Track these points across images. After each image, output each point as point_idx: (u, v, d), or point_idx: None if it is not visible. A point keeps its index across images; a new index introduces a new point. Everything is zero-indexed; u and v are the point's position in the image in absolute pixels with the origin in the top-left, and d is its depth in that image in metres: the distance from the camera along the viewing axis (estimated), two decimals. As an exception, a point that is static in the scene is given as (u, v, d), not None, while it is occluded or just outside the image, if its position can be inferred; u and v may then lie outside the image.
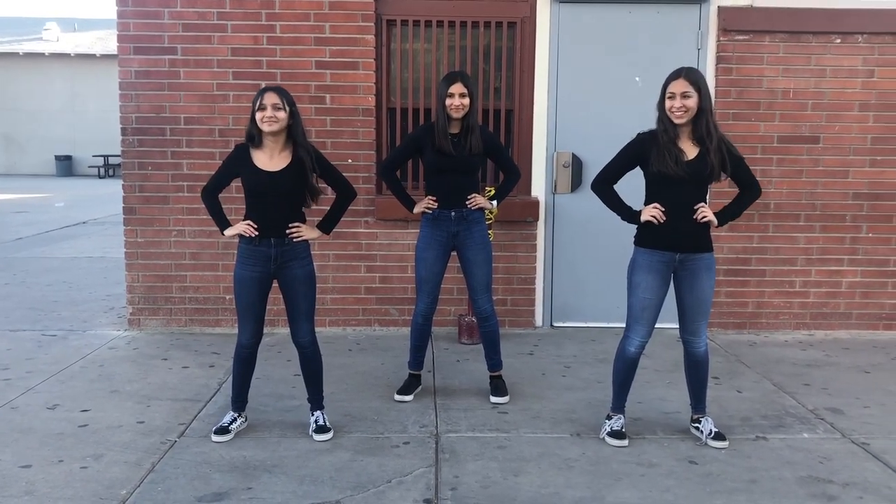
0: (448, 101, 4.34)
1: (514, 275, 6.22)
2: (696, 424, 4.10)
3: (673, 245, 3.83)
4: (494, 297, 6.10)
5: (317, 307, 6.06)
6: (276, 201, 3.90)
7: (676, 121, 3.74)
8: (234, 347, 4.07)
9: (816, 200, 6.19)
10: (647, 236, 3.89)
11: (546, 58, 6.09)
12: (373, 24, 5.98)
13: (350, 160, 6.03)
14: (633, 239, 3.96)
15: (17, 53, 27.09)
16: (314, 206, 4.12)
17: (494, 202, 4.79)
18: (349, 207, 4.30)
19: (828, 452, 3.93)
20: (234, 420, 4.08)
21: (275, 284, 4.05)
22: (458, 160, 4.43)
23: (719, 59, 6.04)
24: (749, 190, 3.96)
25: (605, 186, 4.01)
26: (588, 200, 6.11)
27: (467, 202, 4.49)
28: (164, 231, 6.09)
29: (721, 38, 6.02)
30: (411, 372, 4.73)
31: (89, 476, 3.59)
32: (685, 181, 3.76)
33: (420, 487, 3.50)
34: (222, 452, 3.85)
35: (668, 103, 3.75)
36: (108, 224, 13.22)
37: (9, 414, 4.34)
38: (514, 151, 6.25)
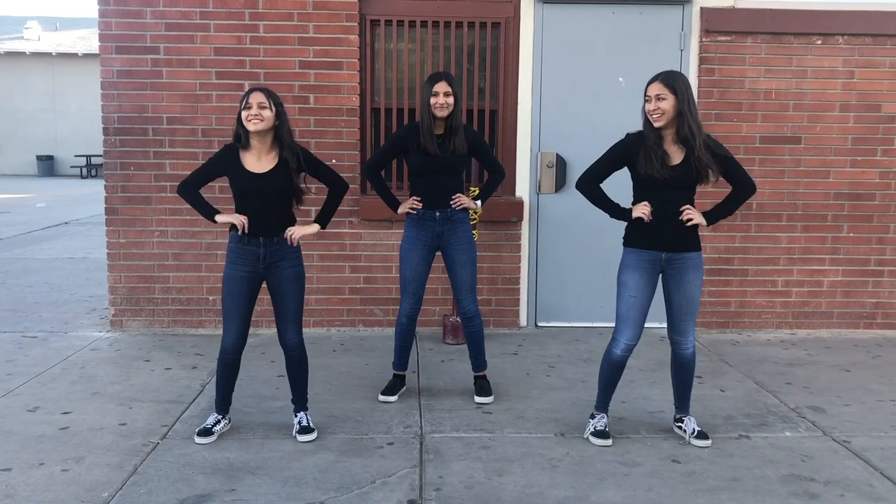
0: (433, 100, 4.34)
1: (498, 275, 6.23)
2: (680, 424, 4.12)
3: (659, 244, 3.85)
4: (479, 298, 6.14)
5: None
6: (263, 202, 3.88)
7: (655, 123, 3.76)
8: (219, 350, 4.03)
9: (798, 200, 6.23)
10: (634, 236, 3.90)
11: (530, 58, 6.10)
12: (357, 23, 5.97)
13: (334, 160, 6.01)
14: (622, 240, 3.97)
15: (-2, 52, 26.87)
16: (301, 208, 4.09)
17: (479, 202, 4.79)
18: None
19: (810, 451, 3.96)
20: (218, 422, 4.06)
21: (263, 285, 4.03)
22: (442, 160, 4.43)
23: (702, 60, 6.07)
24: (742, 188, 3.96)
25: (591, 185, 4.01)
26: (572, 200, 6.14)
27: (452, 202, 4.49)
28: (147, 231, 6.06)
29: (703, 39, 6.05)
30: (396, 372, 4.72)
31: (70, 479, 3.55)
32: (671, 183, 3.78)
33: (404, 488, 3.49)
34: (205, 454, 3.83)
35: (646, 107, 3.78)
36: (90, 225, 13.12)
37: (-11, 417, 4.30)
38: (499, 152, 6.25)
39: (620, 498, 3.43)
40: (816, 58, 6.10)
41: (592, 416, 4.13)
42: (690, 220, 3.82)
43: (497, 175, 4.75)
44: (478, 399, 4.61)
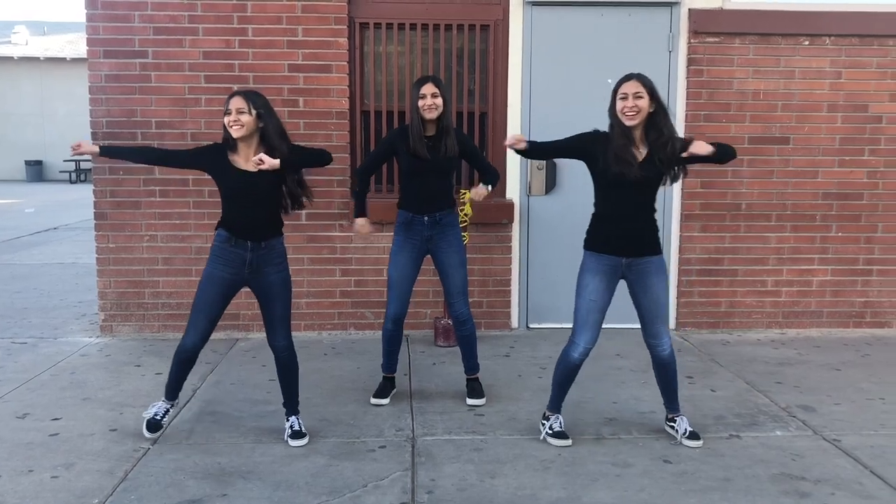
0: (421, 103, 4.34)
1: (489, 277, 6.23)
2: (672, 423, 4.13)
3: (619, 249, 3.84)
4: (470, 300, 6.13)
5: (292, 311, 6.07)
6: (252, 202, 3.86)
7: (628, 122, 3.74)
8: (177, 346, 4.01)
9: (787, 200, 6.26)
10: (594, 240, 3.90)
11: (519, 60, 6.11)
12: (346, 26, 5.97)
13: (324, 163, 6.00)
14: (583, 242, 3.97)
15: (-14, 57, 26.72)
16: (296, 211, 4.09)
17: (490, 186, 4.69)
18: (321, 168, 4.33)
19: (800, 450, 3.97)
20: (168, 411, 4.11)
21: (246, 290, 4.01)
22: (433, 163, 4.43)
23: (690, 61, 6.10)
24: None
25: (538, 149, 4.05)
26: (562, 202, 6.16)
27: (466, 197, 4.43)
28: (136, 236, 6.03)
29: (692, 40, 6.08)
30: (385, 375, 4.72)
31: (60, 486, 3.54)
32: (636, 184, 3.77)
33: (396, 491, 3.49)
34: (196, 459, 3.82)
35: (619, 104, 3.76)
36: (79, 230, 13.06)
37: (-22, 423, 4.27)
38: (489, 154, 6.25)
39: (612, 499, 3.44)
40: (804, 58, 6.14)
41: (546, 418, 4.11)
42: (695, 151, 3.69)
43: (492, 177, 4.74)
44: (470, 401, 4.61)
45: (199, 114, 5.95)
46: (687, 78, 6.11)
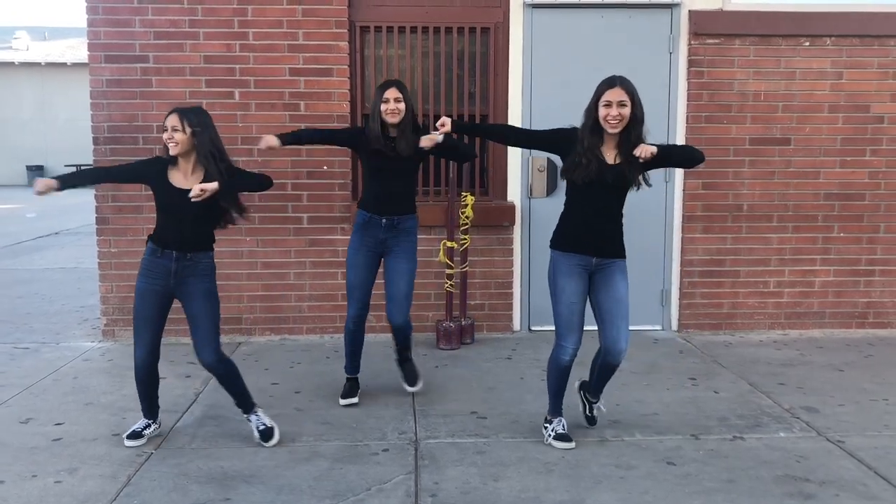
0: (383, 106, 4.36)
1: (491, 279, 6.23)
2: (589, 410, 4.22)
3: (591, 248, 3.84)
4: (472, 302, 6.15)
5: (294, 315, 6.10)
6: (181, 218, 3.86)
7: (610, 130, 3.73)
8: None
9: (788, 201, 6.26)
10: (564, 239, 3.90)
11: (520, 63, 6.11)
12: (346, 30, 5.97)
13: (325, 167, 6.01)
14: (549, 242, 3.96)
15: (-13, 63, 26.74)
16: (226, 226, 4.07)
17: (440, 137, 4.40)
18: (265, 192, 4.33)
19: (804, 451, 3.97)
20: (148, 426, 4.11)
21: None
22: (389, 161, 4.42)
23: (691, 63, 6.10)
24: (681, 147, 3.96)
25: (509, 134, 4.11)
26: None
27: (420, 146, 4.35)
28: (138, 241, 6.02)
29: (692, 42, 6.08)
30: (348, 376, 4.73)
31: (64, 490, 3.54)
32: (606, 187, 3.77)
33: (400, 495, 3.48)
34: (199, 463, 3.81)
35: (602, 111, 3.73)
36: (81, 234, 13.06)
37: (-20, 429, 4.27)
38: (489, 157, 6.27)
39: (616, 501, 3.43)
40: (805, 59, 6.14)
41: (548, 422, 4.10)
42: (644, 153, 3.65)
43: (463, 149, 4.69)
44: (409, 388, 4.70)
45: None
46: (687, 79, 6.11)
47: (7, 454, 3.92)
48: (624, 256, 3.91)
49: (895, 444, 4.05)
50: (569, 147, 3.85)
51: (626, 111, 3.70)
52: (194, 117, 3.86)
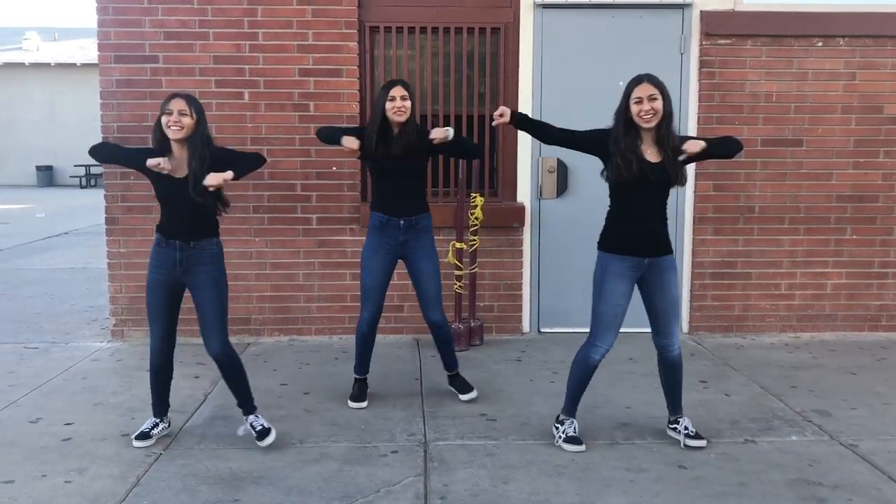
0: (389, 105, 4.33)
1: (500, 281, 6.21)
2: (674, 425, 4.09)
3: (641, 250, 3.83)
4: (481, 304, 6.13)
5: (303, 316, 6.08)
6: (182, 206, 3.87)
7: (645, 125, 3.74)
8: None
9: (800, 203, 6.21)
10: (615, 242, 3.87)
11: (530, 63, 6.09)
12: (356, 31, 5.96)
13: (335, 167, 6.00)
14: (598, 243, 3.94)
15: (-3, 63, 26.87)
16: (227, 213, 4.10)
17: (451, 132, 4.49)
18: (259, 170, 4.31)
19: (816, 455, 3.93)
20: (156, 425, 4.09)
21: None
22: (401, 160, 4.40)
23: (702, 63, 6.06)
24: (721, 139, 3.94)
25: (554, 133, 4.05)
26: (574, 205, 6.13)
27: (431, 138, 4.36)
28: (147, 241, 5.95)
29: (704, 43, 6.04)
30: (357, 377, 4.72)
31: (73, 490, 3.53)
32: (648, 185, 3.75)
33: (409, 497, 3.46)
34: (208, 464, 3.81)
35: (635, 108, 3.74)
36: (90, 234, 13.09)
37: (-10, 428, 4.28)
38: (499, 158, 6.24)
39: (627, 504, 3.41)
40: (817, 60, 6.09)
41: (560, 423, 4.07)
42: (690, 149, 3.71)
43: (472, 148, 4.76)
44: (464, 397, 4.65)
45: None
46: (699, 80, 6.07)
47: (17, 453, 3.93)
48: (672, 251, 3.92)
49: (909, 449, 4.01)
50: (606, 149, 3.85)
51: (658, 104, 3.72)
52: (197, 104, 3.88)
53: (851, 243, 6.27)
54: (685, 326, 6.26)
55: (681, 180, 3.84)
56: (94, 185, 25.68)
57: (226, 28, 5.90)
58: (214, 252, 3.96)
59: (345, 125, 5.28)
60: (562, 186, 6.17)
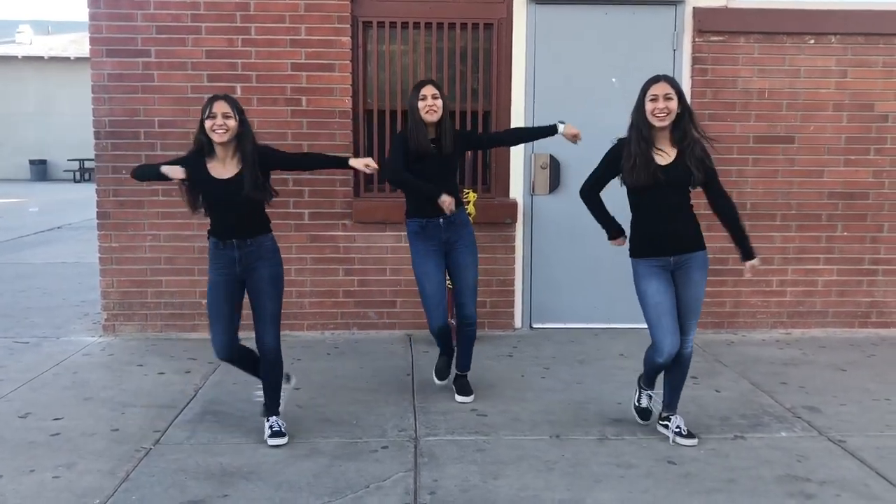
0: (421, 104, 4.32)
1: (492, 276, 6.20)
2: (665, 422, 4.11)
3: (666, 249, 3.85)
4: (473, 300, 6.12)
5: (295, 311, 6.08)
6: (232, 207, 3.88)
7: (658, 123, 3.75)
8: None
9: (792, 200, 6.23)
10: (639, 246, 3.91)
11: (523, 59, 6.08)
12: (349, 25, 5.95)
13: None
14: (629, 251, 3.97)
15: (-10, 57, 26.75)
16: (275, 202, 4.12)
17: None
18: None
19: (805, 451, 3.95)
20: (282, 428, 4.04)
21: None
22: (439, 161, 4.41)
23: (695, 60, 6.07)
24: (727, 201, 3.99)
25: (592, 194, 4.04)
26: (566, 201, 6.13)
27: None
28: (140, 235, 6.02)
29: (696, 39, 6.05)
30: (442, 354, 4.77)
31: (61, 486, 3.52)
32: (664, 186, 3.77)
33: (399, 492, 3.47)
34: (198, 459, 3.80)
35: (650, 106, 3.76)
36: (82, 229, 13.05)
37: (-21, 423, 4.26)
38: (492, 153, 6.24)
39: (616, 500, 3.42)
40: (809, 57, 6.10)
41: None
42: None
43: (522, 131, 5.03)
44: (460, 399, 4.62)
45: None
46: (692, 76, 6.07)
47: (5, 448, 3.92)
48: (703, 248, 3.92)
49: (897, 445, 4.03)
50: (619, 161, 3.87)
51: (673, 104, 3.74)
52: (238, 105, 3.89)
53: (842, 240, 6.29)
54: (677, 323, 6.27)
55: (694, 183, 3.85)
56: (88, 180, 25.60)
57: (218, 22, 5.88)
58: (272, 247, 3.99)
59: (396, 154, 4.58)
60: (554, 183, 6.18)
